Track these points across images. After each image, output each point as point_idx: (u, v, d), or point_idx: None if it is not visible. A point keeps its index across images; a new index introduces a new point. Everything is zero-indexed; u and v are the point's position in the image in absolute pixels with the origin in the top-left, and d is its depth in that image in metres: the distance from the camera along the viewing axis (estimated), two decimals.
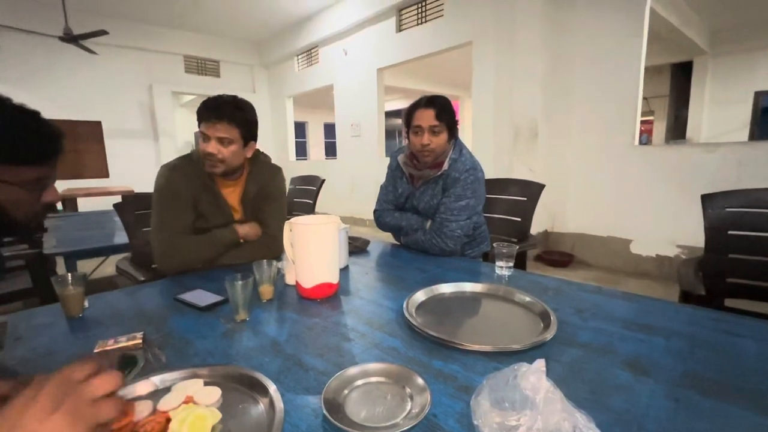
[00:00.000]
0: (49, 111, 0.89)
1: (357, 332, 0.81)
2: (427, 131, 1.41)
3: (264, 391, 0.58)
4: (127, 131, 6.50)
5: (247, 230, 1.34)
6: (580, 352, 0.71)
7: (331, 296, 1.01)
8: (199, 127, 1.24)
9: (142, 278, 1.38)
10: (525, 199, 1.85)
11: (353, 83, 5.86)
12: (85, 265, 2.73)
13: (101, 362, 0.43)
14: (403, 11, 4.99)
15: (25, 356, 0.74)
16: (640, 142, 3.47)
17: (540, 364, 0.50)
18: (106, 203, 3.00)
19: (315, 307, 0.96)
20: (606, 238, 3.59)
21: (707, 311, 0.88)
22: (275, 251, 1.34)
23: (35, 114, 0.70)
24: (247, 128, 1.26)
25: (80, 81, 5.95)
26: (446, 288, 1.02)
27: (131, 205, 1.61)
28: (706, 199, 1.35)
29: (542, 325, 0.81)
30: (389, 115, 8.19)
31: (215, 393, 0.59)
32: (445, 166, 1.44)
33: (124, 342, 0.75)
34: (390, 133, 10.75)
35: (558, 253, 3.79)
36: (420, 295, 0.96)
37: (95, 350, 0.71)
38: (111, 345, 0.74)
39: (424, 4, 4.70)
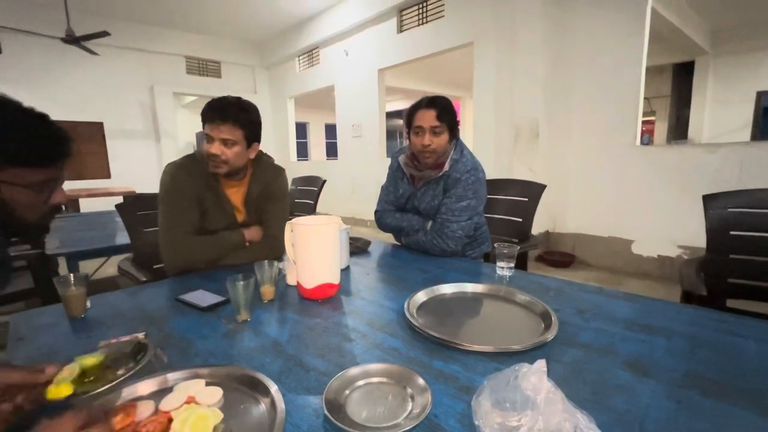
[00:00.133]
0: (51, 112, 0.90)
1: (358, 333, 0.81)
2: (428, 132, 1.41)
3: (265, 391, 0.58)
4: (129, 132, 6.52)
5: (253, 234, 1.36)
6: (581, 353, 0.71)
7: (332, 297, 1.02)
8: (203, 128, 1.24)
9: (144, 279, 1.38)
10: (526, 199, 1.85)
11: (354, 84, 5.87)
12: (86, 266, 2.73)
13: (95, 413, 0.44)
14: (404, 12, 5.00)
15: (27, 356, 0.74)
16: (642, 143, 3.47)
17: (541, 364, 0.50)
18: (108, 204, 3.01)
19: (316, 307, 0.96)
20: (607, 239, 3.58)
21: (709, 312, 0.88)
22: (277, 252, 1.34)
23: (44, 117, 0.71)
24: (251, 130, 1.27)
25: (82, 82, 5.97)
26: (447, 288, 1.02)
27: (133, 205, 1.62)
28: (708, 200, 1.35)
29: (543, 325, 0.81)
30: (390, 115, 8.21)
31: (217, 393, 0.59)
32: (446, 166, 1.44)
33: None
34: (391, 134, 10.76)
35: (559, 254, 3.78)
36: (421, 296, 0.96)
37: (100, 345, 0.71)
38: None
39: (425, 4, 4.70)
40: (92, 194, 4.88)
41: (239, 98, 1.26)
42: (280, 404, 0.55)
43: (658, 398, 0.57)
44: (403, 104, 10.74)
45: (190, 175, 1.26)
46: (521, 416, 0.47)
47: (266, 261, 1.00)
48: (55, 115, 0.74)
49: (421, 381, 0.59)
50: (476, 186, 1.44)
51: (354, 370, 0.63)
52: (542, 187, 1.83)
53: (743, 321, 0.82)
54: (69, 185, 5.72)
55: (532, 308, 0.90)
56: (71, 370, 0.59)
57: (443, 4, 4.45)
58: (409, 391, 0.59)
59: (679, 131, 7.27)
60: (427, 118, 1.41)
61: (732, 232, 1.32)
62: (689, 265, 1.37)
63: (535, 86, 3.57)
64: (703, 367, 0.65)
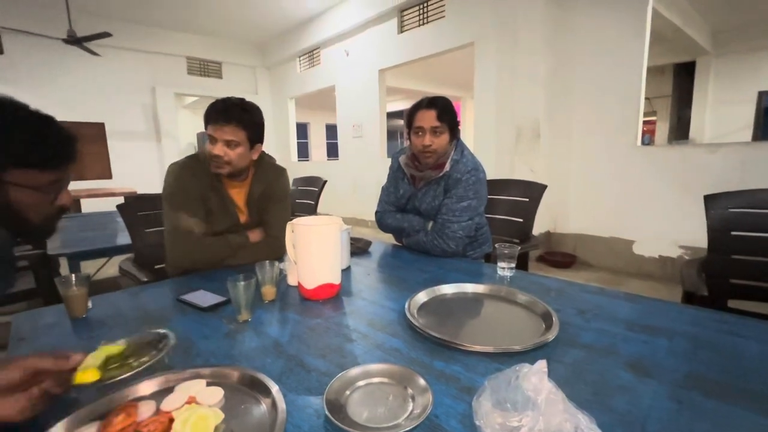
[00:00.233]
0: (53, 112, 0.90)
1: (359, 333, 0.81)
2: (429, 132, 1.41)
3: (266, 391, 0.58)
4: (130, 133, 6.53)
5: (257, 237, 1.37)
6: (583, 353, 0.71)
7: (333, 297, 1.02)
8: (206, 128, 1.25)
9: (145, 279, 1.38)
10: (527, 199, 1.85)
11: (355, 84, 5.87)
12: (88, 266, 2.74)
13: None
14: (405, 12, 5.00)
15: None
16: (643, 143, 3.46)
17: (542, 365, 0.50)
18: (109, 204, 3.02)
19: (317, 307, 0.96)
20: (608, 239, 3.58)
21: (710, 312, 0.88)
22: (278, 252, 1.34)
23: (51, 119, 0.72)
24: (254, 131, 1.27)
25: (83, 83, 5.98)
26: (448, 289, 1.02)
27: (134, 206, 1.62)
28: (709, 200, 1.35)
29: (544, 326, 0.81)
30: (391, 116, 8.21)
31: (218, 393, 0.59)
32: (447, 167, 1.44)
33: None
34: (392, 134, 10.77)
35: (560, 254, 3.78)
36: (422, 296, 0.96)
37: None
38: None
39: (425, 5, 4.70)
40: (93, 195, 4.89)
41: (242, 99, 1.26)
42: (281, 404, 0.55)
43: (660, 399, 0.57)
44: (404, 104, 10.74)
45: (195, 175, 1.27)
46: (522, 417, 0.46)
47: (267, 261, 1.00)
48: (57, 115, 0.75)
49: (421, 381, 0.59)
50: (477, 186, 1.44)
51: (355, 371, 0.63)
52: (543, 187, 1.82)
53: (745, 321, 0.82)
54: (71, 186, 5.68)
55: (533, 309, 0.90)
56: (96, 357, 0.60)
57: (444, 5, 4.46)
58: (410, 391, 0.59)
59: (680, 131, 7.26)
60: (428, 118, 1.41)
61: (733, 233, 1.32)
62: (691, 266, 1.37)
63: (536, 86, 3.57)
64: (705, 367, 0.65)
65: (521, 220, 1.85)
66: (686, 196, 3.06)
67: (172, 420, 0.52)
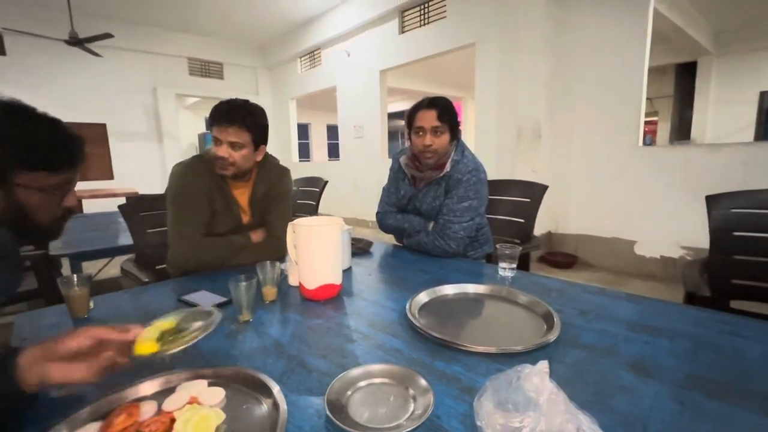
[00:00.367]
0: (55, 113, 0.91)
1: (360, 333, 0.81)
2: (429, 132, 1.41)
3: (267, 391, 0.58)
4: (132, 133, 6.55)
5: (259, 237, 1.37)
6: (584, 354, 0.71)
7: (334, 297, 1.02)
8: (210, 130, 1.25)
9: (146, 279, 1.38)
10: (528, 200, 1.85)
11: (356, 85, 5.88)
12: (89, 267, 2.74)
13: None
14: (406, 13, 5.00)
15: None
16: (644, 143, 3.46)
17: (543, 365, 0.50)
18: (111, 205, 3.02)
19: (318, 308, 0.96)
20: (610, 240, 3.57)
21: (712, 313, 0.87)
22: (279, 252, 1.34)
23: (58, 122, 0.73)
24: (258, 133, 1.27)
25: (85, 83, 6.00)
26: (449, 289, 1.02)
27: (135, 206, 1.62)
28: (711, 200, 1.35)
29: (545, 326, 0.81)
30: (392, 116, 8.21)
31: (219, 394, 0.59)
32: (448, 167, 1.44)
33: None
34: (393, 135, 10.76)
35: (561, 255, 3.77)
36: (423, 297, 0.96)
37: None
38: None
39: (426, 5, 4.71)
40: (95, 195, 4.91)
41: (247, 101, 1.27)
42: (282, 405, 0.55)
43: (662, 399, 0.57)
44: (405, 105, 10.74)
45: (199, 175, 1.27)
46: (523, 417, 0.46)
47: (268, 262, 1.00)
48: (59, 116, 0.75)
49: (423, 382, 0.59)
50: (478, 186, 1.44)
51: (356, 371, 0.63)
52: (544, 187, 1.82)
53: (747, 322, 0.82)
54: None
55: (535, 309, 0.90)
56: (151, 331, 0.64)
57: (445, 5, 4.46)
58: (411, 392, 0.59)
59: (681, 132, 7.25)
60: (428, 118, 1.41)
61: (735, 233, 1.31)
62: (692, 266, 1.36)
63: (537, 86, 3.57)
64: (707, 368, 0.65)
65: (522, 220, 1.85)
66: (688, 197, 3.06)
67: (173, 420, 0.53)
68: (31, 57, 5.50)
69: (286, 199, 1.45)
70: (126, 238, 1.87)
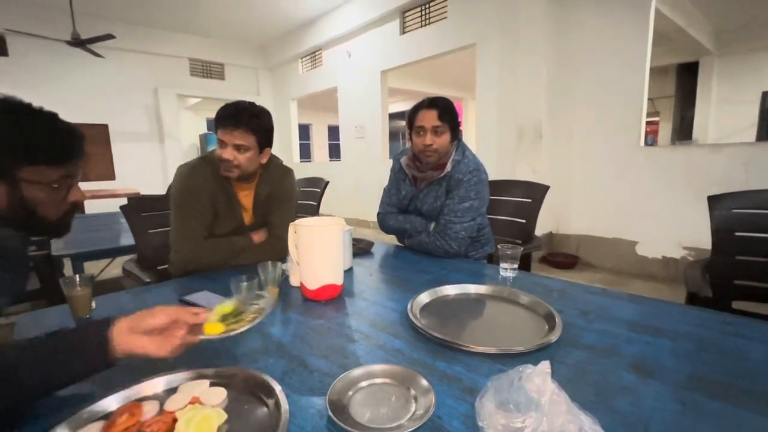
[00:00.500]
0: (53, 111, 0.92)
1: (361, 334, 0.81)
2: (430, 132, 1.41)
3: (269, 392, 0.58)
4: (133, 134, 6.56)
5: (261, 238, 1.37)
6: (585, 354, 0.71)
7: (335, 298, 1.02)
8: (215, 132, 1.25)
9: (148, 280, 1.39)
10: (529, 200, 1.84)
11: (357, 85, 5.88)
12: (91, 267, 2.75)
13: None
14: (407, 13, 5.00)
15: None
16: (646, 143, 3.45)
17: (545, 365, 0.50)
18: (113, 205, 3.03)
19: (319, 308, 0.96)
20: (611, 240, 3.56)
21: (714, 313, 0.87)
22: (280, 253, 1.34)
23: (55, 116, 0.74)
24: (263, 135, 1.27)
25: (87, 84, 6.01)
26: (450, 290, 1.02)
27: (137, 207, 1.63)
28: (713, 201, 1.34)
29: (547, 326, 0.81)
30: (393, 117, 8.22)
31: (221, 394, 0.59)
32: (448, 167, 1.44)
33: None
34: (394, 135, 10.76)
35: (562, 255, 3.77)
36: (424, 297, 0.96)
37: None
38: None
39: (427, 6, 4.71)
40: (97, 196, 4.92)
41: (253, 103, 1.26)
42: (284, 405, 0.55)
43: (663, 400, 0.57)
44: (406, 105, 10.74)
45: (204, 177, 1.27)
46: (525, 417, 0.46)
47: (269, 262, 1.00)
48: (61, 116, 0.76)
49: (424, 382, 0.59)
50: (479, 187, 1.44)
51: (357, 371, 0.63)
52: (546, 188, 1.82)
53: (749, 323, 0.81)
54: None
55: (536, 309, 0.89)
56: (216, 314, 0.70)
57: (446, 6, 4.46)
58: (413, 392, 0.59)
59: (683, 132, 7.22)
60: (429, 118, 1.41)
61: (737, 234, 1.31)
62: (694, 267, 1.36)
63: (538, 87, 3.57)
64: (709, 368, 0.65)
65: (523, 220, 1.85)
66: (689, 197, 3.05)
67: (175, 420, 0.53)
68: (33, 58, 5.52)
69: (289, 199, 1.45)
70: (128, 239, 1.88)
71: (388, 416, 0.54)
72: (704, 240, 1.49)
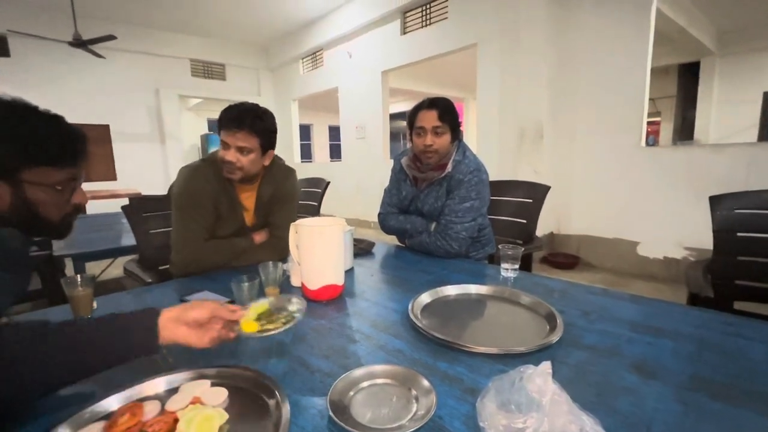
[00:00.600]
0: (57, 113, 0.93)
1: (362, 334, 0.81)
2: (430, 132, 1.41)
3: (270, 392, 0.59)
4: (135, 134, 6.57)
5: (262, 238, 1.37)
6: (587, 355, 0.70)
7: (336, 298, 1.02)
8: (218, 133, 1.24)
9: (149, 280, 1.39)
10: (530, 200, 1.84)
11: (358, 86, 5.88)
12: (93, 267, 2.76)
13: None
14: (408, 14, 5.01)
15: None
16: (647, 143, 3.45)
17: (546, 366, 0.50)
18: (114, 205, 3.04)
19: (320, 308, 0.96)
20: (612, 240, 3.56)
21: (715, 314, 0.87)
22: (282, 253, 1.34)
23: (60, 118, 0.74)
24: (267, 138, 1.27)
25: (89, 85, 6.03)
26: (451, 290, 1.02)
27: (138, 207, 1.63)
28: (715, 201, 1.34)
29: (548, 327, 0.81)
30: (394, 117, 8.22)
31: (222, 394, 0.59)
32: (449, 167, 1.44)
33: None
34: (395, 136, 10.75)
35: (563, 255, 3.76)
36: (425, 297, 0.96)
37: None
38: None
39: (428, 6, 4.71)
40: (98, 196, 4.93)
41: (256, 105, 1.26)
42: (285, 405, 0.55)
43: (665, 401, 0.57)
44: (407, 106, 10.74)
45: (206, 179, 1.27)
46: (526, 418, 0.46)
47: (270, 262, 1.00)
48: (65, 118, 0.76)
49: (425, 382, 0.59)
50: (479, 187, 1.44)
51: (358, 372, 0.63)
52: (547, 188, 1.82)
53: (750, 323, 0.81)
54: None
55: (537, 310, 0.89)
56: (251, 312, 0.73)
57: (446, 6, 4.46)
58: (414, 392, 0.59)
59: (684, 132, 7.21)
60: (429, 118, 1.41)
61: (739, 234, 1.31)
62: (696, 267, 1.36)
63: (540, 87, 3.56)
64: (710, 369, 0.65)
65: (524, 221, 1.85)
66: (691, 197, 3.04)
67: (176, 420, 0.53)
68: (35, 58, 5.54)
69: (292, 200, 1.45)
70: (129, 239, 1.88)
71: (389, 417, 0.54)
72: (706, 240, 1.48)
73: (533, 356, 0.70)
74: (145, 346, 0.59)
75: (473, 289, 1.02)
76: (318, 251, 0.99)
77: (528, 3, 3.51)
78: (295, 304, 0.79)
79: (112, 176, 6.38)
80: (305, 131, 12.24)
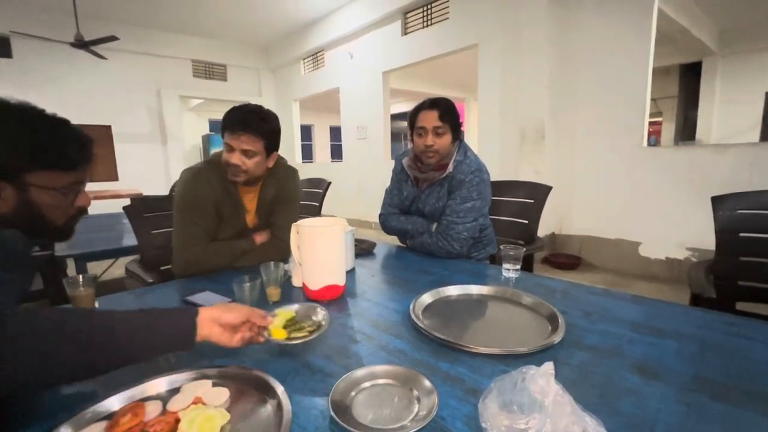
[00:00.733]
0: (61, 115, 0.93)
1: (364, 334, 0.81)
2: (431, 132, 1.41)
3: (272, 392, 0.58)
4: (136, 135, 6.59)
5: (263, 239, 1.37)
6: (589, 355, 0.70)
7: (337, 298, 1.02)
8: (222, 136, 1.23)
9: (151, 280, 1.39)
10: (532, 201, 1.84)
11: (359, 86, 5.89)
12: (94, 267, 2.76)
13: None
14: (409, 14, 5.01)
15: None
16: (649, 144, 3.44)
17: (548, 367, 0.50)
18: (116, 206, 3.04)
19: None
20: (614, 241, 3.55)
21: (718, 314, 0.87)
22: (283, 253, 1.34)
23: (67, 122, 0.74)
24: (271, 140, 1.26)
25: (90, 86, 6.05)
26: (453, 290, 1.02)
27: (140, 207, 1.63)
28: (717, 201, 1.34)
29: (550, 327, 0.81)
30: (395, 117, 8.21)
31: (224, 394, 0.59)
32: (450, 168, 1.44)
33: None
34: (396, 136, 10.75)
35: (565, 256, 3.76)
36: (426, 298, 0.96)
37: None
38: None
39: (429, 7, 4.71)
40: (99, 196, 4.94)
41: (260, 107, 1.24)
42: (287, 405, 0.55)
43: (668, 401, 0.57)
44: (408, 106, 10.74)
45: (208, 183, 1.25)
46: (529, 419, 0.46)
47: (272, 262, 1.00)
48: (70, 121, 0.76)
49: (427, 383, 0.59)
50: (481, 187, 1.44)
51: (360, 372, 0.63)
52: (548, 188, 1.82)
53: (753, 324, 0.81)
54: None
55: (539, 310, 0.89)
56: (279, 319, 0.76)
57: (447, 7, 4.46)
58: (416, 393, 0.59)
59: (686, 132, 7.20)
60: (430, 118, 1.41)
61: (742, 234, 1.30)
62: (698, 268, 1.36)
63: (541, 87, 3.56)
64: (713, 370, 0.64)
65: (526, 221, 1.84)
66: (693, 198, 3.04)
67: (178, 420, 0.53)
68: (37, 59, 5.56)
69: (294, 200, 1.44)
70: (130, 239, 1.88)
71: (390, 417, 0.54)
72: (708, 241, 1.48)
73: (535, 357, 0.69)
74: (183, 341, 0.61)
75: (475, 289, 1.02)
76: (319, 252, 0.99)
77: (529, 3, 3.50)
78: (320, 314, 0.80)
79: (113, 177, 6.40)
80: (306, 132, 12.25)
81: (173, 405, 0.56)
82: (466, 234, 1.41)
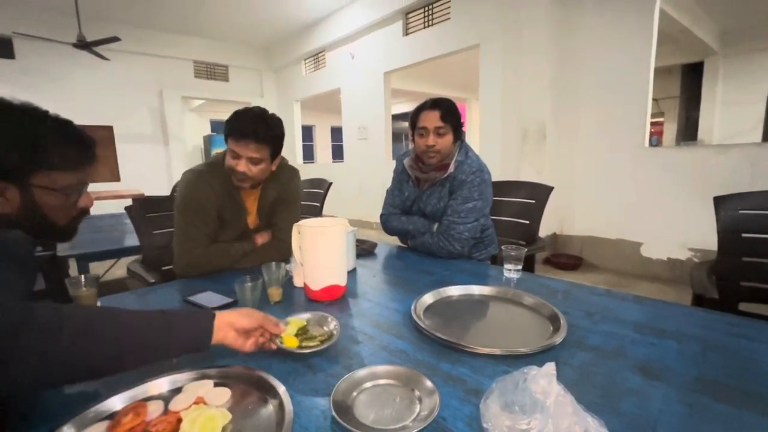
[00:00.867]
0: (62, 116, 0.93)
1: (365, 334, 0.81)
2: (432, 132, 1.41)
3: (273, 392, 0.59)
4: (138, 135, 6.61)
5: (264, 239, 1.37)
6: (591, 356, 0.70)
7: (338, 298, 1.02)
8: (226, 141, 1.22)
9: (153, 280, 1.39)
10: (533, 201, 1.84)
11: (360, 87, 5.89)
12: (96, 267, 2.77)
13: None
14: (410, 15, 5.01)
15: None
16: (650, 144, 3.43)
17: (550, 367, 0.50)
18: (117, 206, 3.05)
19: (323, 309, 0.95)
20: (616, 241, 3.55)
21: (720, 315, 0.86)
22: (284, 254, 1.34)
23: (70, 123, 0.75)
24: (276, 145, 1.26)
25: (93, 86, 6.06)
26: (454, 291, 1.02)
27: (142, 208, 1.63)
28: (719, 201, 1.33)
29: (551, 328, 0.80)
30: (396, 118, 8.21)
31: (225, 394, 0.59)
32: (451, 168, 1.44)
33: None
34: (397, 136, 10.77)
35: (566, 256, 3.75)
36: (428, 298, 0.96)
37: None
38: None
39: (430, 7, 4.71)
40: (101, 197, 4.95)
41: (264, 112, 1.23)
42: (288, 405, 0.55)
43: (670, 402, 0.56)
44: (409, 107, 10.74)
45: (210, 185, 1.25)
46: (530, 419, 0.46)
47: (273, 263, 1.00)
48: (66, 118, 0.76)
49: (428, 383, 0.59)
50: (482, 187, 1.44)
51: (361, 372, 0.63)
52: (549, 189, 1.81)
53: (755, 324, 0.81)
54: None
55: (540, 311, 0.89)
56: (291, 327, 0.76)
57: (449, 7, 4.46)
58: (417, 393, 0.59)
59: (688, 132, 7.18)
60: (431, 118, 1.41)
61: (744, 235, 1.30)
62: (700, 268, 1.35)
63: (542, 87, 3.56)
64: (715, 370, 0.64)
65: (527, 221, 1.84)
66: (695, 198, 3.03)
67: (180, 420, 0.53)
68: (40, 60, 5.57)
69: (295, 201, 1.44)
70: (132, 240, 1.89)
71: (392, 417, 0.54)
72: (710, 241, 1.48)
73: (537, 357, 0.69)
74: (200, 342, 0.62)
75: (476, 289, 1.02)
76: (321, 252, 0.99)
77: (530, 3, 3.50)
78: (332, 324, 0.80)
79: (115, 177, 6.41)
80: (308, 132, 12.27)
81: (175, 405, 0.57)
82: (467, 234, 1.41)
